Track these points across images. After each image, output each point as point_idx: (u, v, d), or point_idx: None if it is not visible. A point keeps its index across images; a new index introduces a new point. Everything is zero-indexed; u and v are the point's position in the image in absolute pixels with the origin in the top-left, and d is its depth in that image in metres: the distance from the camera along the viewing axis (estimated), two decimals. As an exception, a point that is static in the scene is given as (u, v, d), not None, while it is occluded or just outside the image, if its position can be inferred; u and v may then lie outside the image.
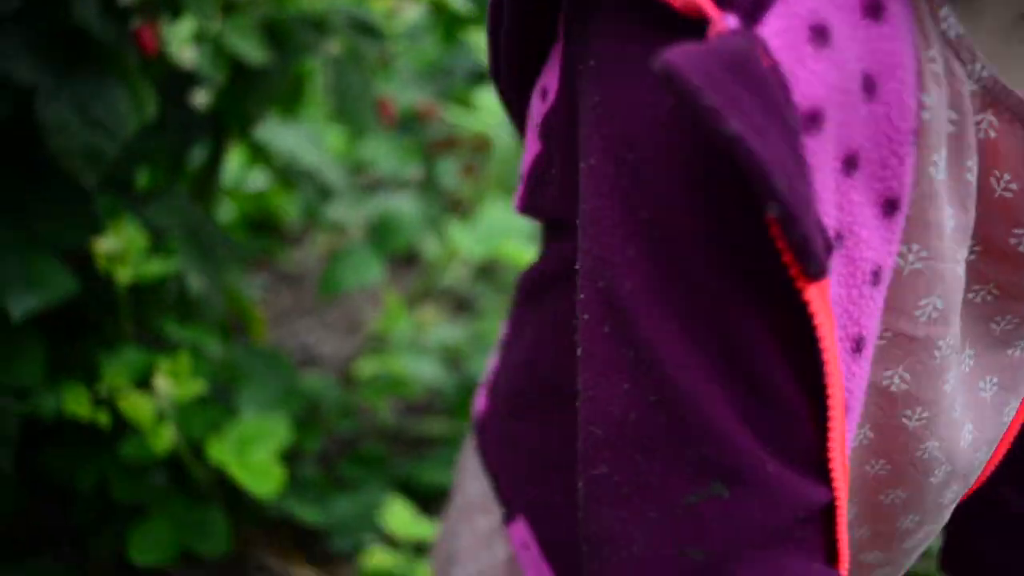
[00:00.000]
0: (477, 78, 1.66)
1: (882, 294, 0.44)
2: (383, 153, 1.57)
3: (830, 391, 0.41)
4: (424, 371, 1.43)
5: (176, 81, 1.31)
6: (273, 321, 1.91)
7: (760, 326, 0.41)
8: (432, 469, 1.48)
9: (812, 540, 0.43)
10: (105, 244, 1.11)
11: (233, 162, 2.06)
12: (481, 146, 1.83)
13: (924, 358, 0.47)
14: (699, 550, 0.41)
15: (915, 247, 0.45)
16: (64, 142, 1.05)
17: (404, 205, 1.32)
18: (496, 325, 1.77)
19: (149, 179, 1.36)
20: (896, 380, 0.48)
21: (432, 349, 1.55)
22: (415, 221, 1.33)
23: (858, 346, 0.44)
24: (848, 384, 0.44)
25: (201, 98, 1.41)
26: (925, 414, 0.50)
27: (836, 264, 0.42)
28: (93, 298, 1.18)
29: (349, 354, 1.81)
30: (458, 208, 1.86)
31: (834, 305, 0.42)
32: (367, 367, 1.37)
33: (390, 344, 1.45)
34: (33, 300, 1.06)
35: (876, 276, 0.43)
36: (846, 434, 0.44)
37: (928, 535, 0.59)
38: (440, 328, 1.63)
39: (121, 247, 1.11)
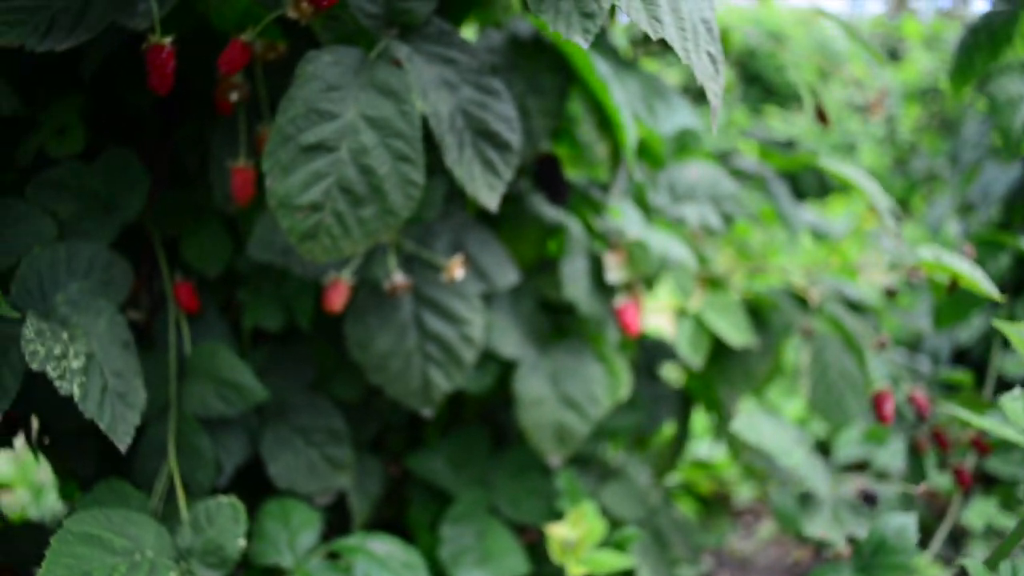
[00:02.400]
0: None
1: None
2: (861, 444, 1.35)
3: None
4: None
5: (649, 352, 1.25)
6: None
7: None
8: None
9: None
10: (561, 530, 1.03)
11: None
12: (982, 448, 1.53)
13: None
14: None
15: None
16: (537, 417, 1.02)
17: (899, 521, 1.08)
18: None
19: (611, 449, 1.29)
20: None
21: None
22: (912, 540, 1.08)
23: None
24: None
25: (672, 373, 1.34)
26: None
27: None
28: (540, 584, 1.10)
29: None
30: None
31: None
32: None
33: None
34: (482, 579, 1.00)
35: None
36: None
37: None
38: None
39: (577, 536, 1.02)
